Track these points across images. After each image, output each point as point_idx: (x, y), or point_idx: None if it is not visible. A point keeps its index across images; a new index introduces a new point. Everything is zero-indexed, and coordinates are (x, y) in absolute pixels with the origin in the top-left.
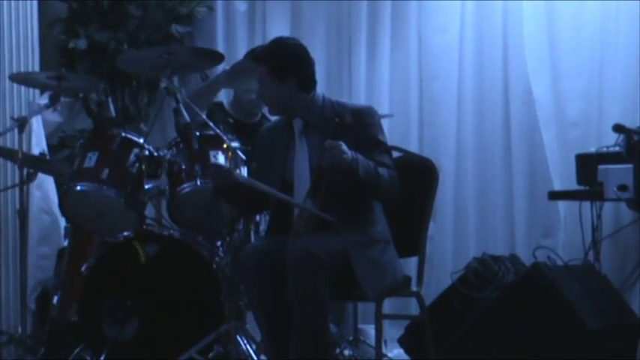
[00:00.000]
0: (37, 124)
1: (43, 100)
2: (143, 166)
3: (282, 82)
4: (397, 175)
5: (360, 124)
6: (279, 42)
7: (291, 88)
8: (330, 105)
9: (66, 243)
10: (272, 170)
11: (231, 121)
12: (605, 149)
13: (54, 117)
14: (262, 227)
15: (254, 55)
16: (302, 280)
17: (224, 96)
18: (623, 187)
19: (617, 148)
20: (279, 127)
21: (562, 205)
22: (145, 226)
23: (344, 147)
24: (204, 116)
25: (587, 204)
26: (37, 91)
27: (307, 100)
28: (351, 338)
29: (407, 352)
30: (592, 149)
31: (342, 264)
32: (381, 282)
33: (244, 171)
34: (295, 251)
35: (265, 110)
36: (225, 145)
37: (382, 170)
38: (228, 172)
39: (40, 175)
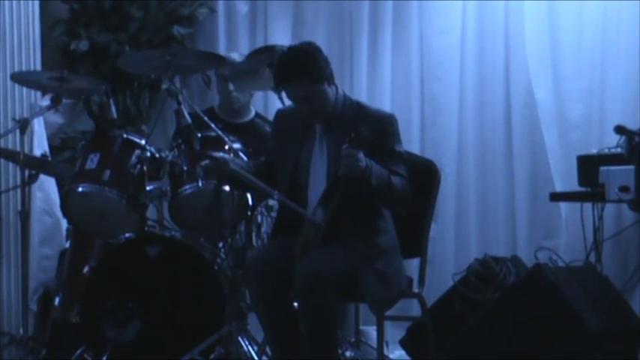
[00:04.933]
0: (38, 126)
1: (45, 101)
2: (145, 168)
3: (329, 83)
4: (410, 186)
5: (379, 133)
6: (298, 49)
7: (334, 87)
8: (351, 106)
9: (67, 244)
10: (283, 166)
11: (220, 125)
12: (606, 151)
13: (55, 118)
14: (264, 229)
15: (286, 74)
16: (312, 303)
17: (214, 101)
18: (624, 189)
19: (618, 150)
20: (295, 118)
21: (563, 206)
22: (146, 228)
23: (360, 155)
24: (205, 118)
25: (588, 205)
26: (39, 93)
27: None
28: (352, 340)
29: (408, 353)
30: (593, 151)
31: (348, 278)
32: (386, 295)
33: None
34: (304, 274)
35: (281, 107)
36: (226, 147)
37: (395, 179)
38: (223, 163)
39: (42, 177)
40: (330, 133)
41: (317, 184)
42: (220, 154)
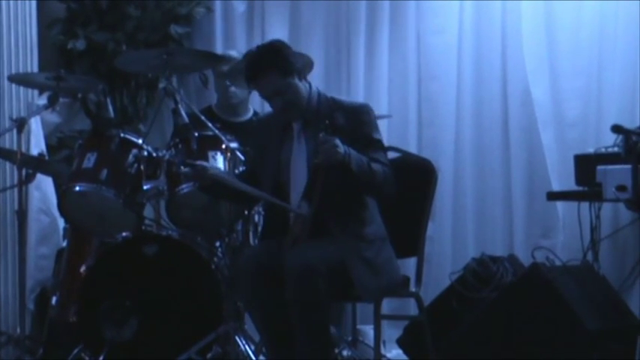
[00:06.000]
0: (35, 125)
1: (42, 100)
2: (142, 167)
3: (299, 78)
4: (392, 173)
5: (355, 122)
6: (265, 46)
7: (306, 83)
8: (326, 102)
9: (65, 243)
10: (265, 170)
11: (218, 125)
12: (603, 150)
13: (52, 117)
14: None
15: (255, 70)
16: (302, 294)
17: (211, 100)
18: (621, 188)
19: (615, 149)
20: (272, 123)
21: (561, 205)
22: (143, 227)
23: (337, 141)
24: (202, 117)
25: (585, 204)
26: (36, 92)
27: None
28: (349, 339)
29: (405, 352)
30: (590, 150)
31: (339, 269)
32: (377, 283)
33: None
34: (294, 265)
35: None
36: (223, 146)
37: (376, 166)
38: (202, 169)
39: (39, 176)
40: (308, 130)
41: (299, 182)
42: (199, 162)
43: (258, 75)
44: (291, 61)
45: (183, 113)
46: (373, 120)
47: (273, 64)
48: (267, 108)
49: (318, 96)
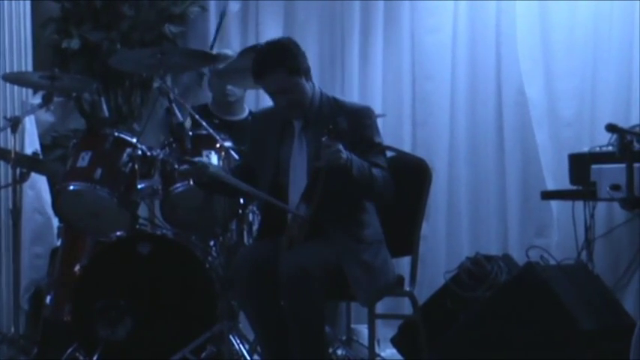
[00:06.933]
0: (30, 124)
1: (36, 99)
2: (136, 166)
3: (306, 78)
4: (391, 177)
5: (357, 125)
6: (275, 43)
7: (311, 83)
8: (328, 102)
9: (59, 243)
10: (263, 168)
11: (216, 122)
12: (598, 149)
13: (47, 117)
14: (256, 227)
15: (263, 67)
16: (297, 297)
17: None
18: (615, 187)
19: (609, 148)
20: (272, 119)
21: (555, 204)
22: (137, 226)
23: (340, 147)
24: (196, 115)
25: (580, 203)
26: (30, 91)
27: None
28: (344, 338)
29: (400, 351)
30: (585, 149)
31: (335, 272)
32: (373, 286)
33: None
34: (289, 268)
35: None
36: (217, 145)
37: (376, 171)
38: (202, 167)
39: (33, 175)
40: (309, 130)
41: (298, 182)
42: (198, 159)
43: (265, 72)
44: (300, 60)
45: (177, 112)
46: (375, 123)
47: (281, 62)
48: (262, 107)
49: (321, 96)
